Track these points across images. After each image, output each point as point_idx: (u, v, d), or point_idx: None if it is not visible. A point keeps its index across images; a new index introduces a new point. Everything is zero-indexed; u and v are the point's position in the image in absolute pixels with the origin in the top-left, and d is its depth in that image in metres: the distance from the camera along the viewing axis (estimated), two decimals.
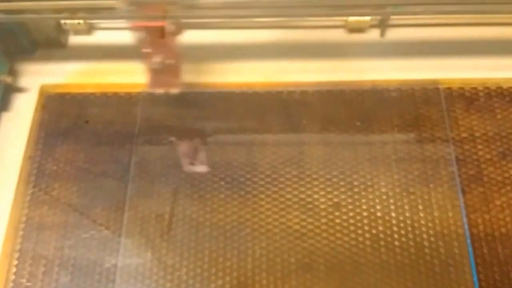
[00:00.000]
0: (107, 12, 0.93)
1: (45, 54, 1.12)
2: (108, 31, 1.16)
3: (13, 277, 0.89)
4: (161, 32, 0.90)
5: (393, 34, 1.14)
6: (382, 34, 1.15)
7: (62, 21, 1.12)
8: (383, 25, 1.14)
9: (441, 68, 1.09)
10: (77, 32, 1.15)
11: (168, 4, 0.88)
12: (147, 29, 0.89)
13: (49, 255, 0.91)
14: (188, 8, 0.91)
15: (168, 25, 0.89)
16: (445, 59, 1.10)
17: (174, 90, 1.00)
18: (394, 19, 1.13)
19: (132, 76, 1.08)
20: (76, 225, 0.94)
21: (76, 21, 1.12)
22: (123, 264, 0.90)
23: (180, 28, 0.91)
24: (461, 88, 1.07)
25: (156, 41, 0.91)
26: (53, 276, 0.89)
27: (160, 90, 1.01)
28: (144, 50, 0.93)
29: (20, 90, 1.08)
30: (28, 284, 0.89)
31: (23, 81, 1.09)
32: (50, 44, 1.12)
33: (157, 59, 0.93)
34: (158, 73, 0.96)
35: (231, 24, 1.16)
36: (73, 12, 0.97)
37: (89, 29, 1.15)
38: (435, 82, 1.07)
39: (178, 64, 0.96)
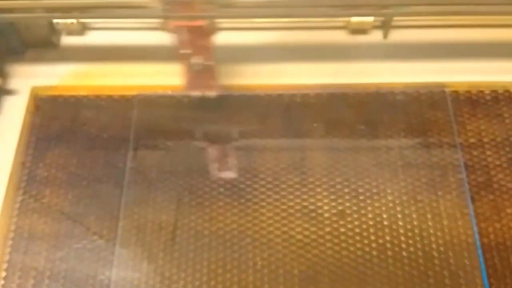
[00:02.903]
0: (123, 11, 0.91)
1: (36, 55, 1.09)
2: (102, 31, 1.12)
3: None
4: (202, 32, 0.87)
5: (397, 36, 1.11)
6: (385, 36, 1.12)
7: (54, 21, 1.08)
8: (386, 26, 1.10)
9: (447, 71, 1.06)
10: (70, 32, 1.11)
11: (205, 3, 0.86)
12: (189, 28, 0.87)
13: (39, 266, 0.86)
14: (224, 7, 0.89)
15: (209, 25, 0.87)
16: (451, 61, 1.07)
17: (211, 92, 0.98)
18: (398, 20, 1.10)
19: (127, 78, 1.05)
20: (68, 234, 0.89)
21: (69, 21, 1.08)
22: (118, 276, 0.85)
23: (216, 28, 0.90)
24: (468, 92, 1.04)
25: (196, 41, 0.89)
26: None
27: (196, 93, 0.98)
28: (183, 51, 0.90)
29: (10, 92, 1.04)
30: None
31: (13, 83, 1.05)
32: (41, 45, 1.08)
33: (197, 60, 0.91)
34: (196, 75, 0.94)
35: (229, 25, 1.12)
36: (67, 11, 0.94)
37: (82, 29, 1.12)
38: (441, 85, 1.04)
39: (215, 65, 0.94)
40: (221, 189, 0.93)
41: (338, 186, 0.94)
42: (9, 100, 1.03)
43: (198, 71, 0.93)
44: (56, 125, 1.00)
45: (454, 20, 1.10)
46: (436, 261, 0.87)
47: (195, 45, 0.90)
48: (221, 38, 0.92)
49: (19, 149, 0.97)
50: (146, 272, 0.86)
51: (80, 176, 0.94)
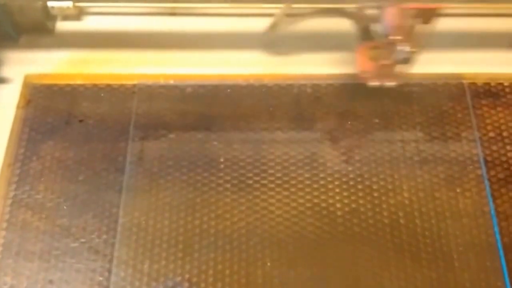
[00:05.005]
0: None
1: (30, 41, 1.03)
2: (100, 16, 1.06)
3: None
4: (430, 16, 0.82)
5: None
6: None
7: (49, 5, 1.01)
8: None
9: (465, 62, 1.01)
10: (66, 17, 1.05)
11: None
12: (419, 11, 0.82)
13: (33, 266, 0.81)
14: None
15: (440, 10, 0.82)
16: (470, 51, 1.02)
17: (391, 83, 0.91)
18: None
19: (126, 66, 1.00)
20: (64, 232, 0.84)
21: (65, 5, 1.01)
22: (117, 278, 0.80)
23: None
24: (487, 84, 0.99)
25: (410, 27, 0.83)
26: None
27: (375, 83, 0.90)
28: (393, 37, 0.84)
29: (1, 80, 0.99)
30: None
31: (5, 71, 1.00)
32: (35, 30, 1.02)
33: (405, 48, 0.84)
34: (387, 64, 0.88)
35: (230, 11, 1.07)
36: None
37: (79, 14, 1.06)
38: (459, 76, 0.99)
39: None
40: (228, 185, 0.88)
41: (351, 183, 0.89)
42: (0, 89, 0.98)
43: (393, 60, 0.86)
44: (51, 115, 0.94)
45: (473, 8, 1.05)
46: (455, 263, 0.82)
47: (405, 31, 0.84)
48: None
49: (11, 141, 0.92)
50: (147, 273, 0.80)
51: (77, 171, 0.89)
